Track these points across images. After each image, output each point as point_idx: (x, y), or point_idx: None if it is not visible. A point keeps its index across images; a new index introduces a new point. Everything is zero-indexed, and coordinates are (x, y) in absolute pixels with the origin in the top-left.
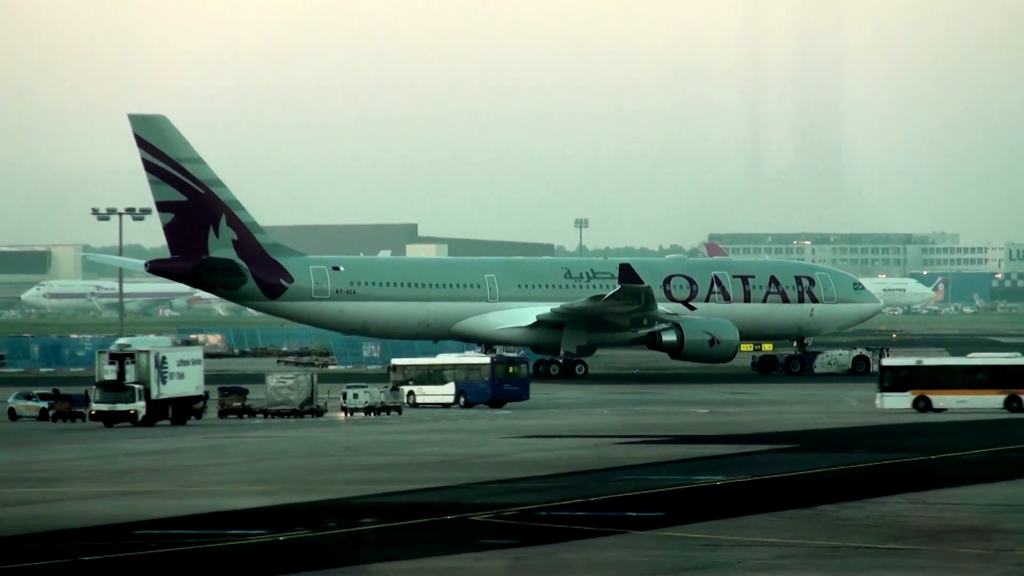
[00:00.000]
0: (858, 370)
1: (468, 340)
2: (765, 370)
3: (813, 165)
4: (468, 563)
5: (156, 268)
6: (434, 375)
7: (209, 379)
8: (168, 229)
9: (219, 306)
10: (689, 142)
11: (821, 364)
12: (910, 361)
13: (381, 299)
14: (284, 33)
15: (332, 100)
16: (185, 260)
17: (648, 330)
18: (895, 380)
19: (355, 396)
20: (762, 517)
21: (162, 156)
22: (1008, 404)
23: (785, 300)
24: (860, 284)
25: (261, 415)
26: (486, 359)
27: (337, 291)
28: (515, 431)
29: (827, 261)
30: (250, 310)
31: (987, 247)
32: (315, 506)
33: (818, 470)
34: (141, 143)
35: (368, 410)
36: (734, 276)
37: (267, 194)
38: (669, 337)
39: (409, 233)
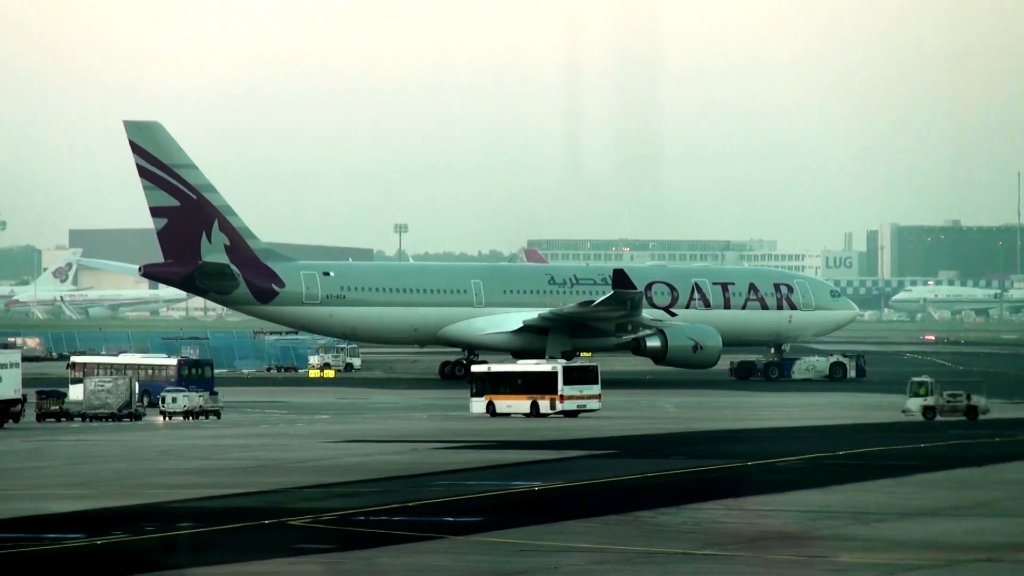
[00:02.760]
0: (835, 376)
1: (455, 345)
2: (743, 375)
3: (632, 173)
4: (285, 568)
5: (150, 272)
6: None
7: (27, 382)
8: (162, 234)
9: (38, 309)
10: (509, 149)
11: (799, 370)
12: (483, 368)
13: (370, 304)
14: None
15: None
16: (179, 265)
17: (632, 336)
18: (477, 386)
19: (173, 400)
20: (579, 523)
21: (156, 162)
22: (532, 409)
23: (764, 307)
24: (837, 291)
25: (79, 418)
26: (172, 361)
27: (327, 296)
28: (334, 436)
29: None
30: (69, 314)
31: (804, 254)
32: (133, 510)
33: (635, 476)
34: (135, 149)
35: (187, 414)
36: (714, 283)
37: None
38: (653, 343)
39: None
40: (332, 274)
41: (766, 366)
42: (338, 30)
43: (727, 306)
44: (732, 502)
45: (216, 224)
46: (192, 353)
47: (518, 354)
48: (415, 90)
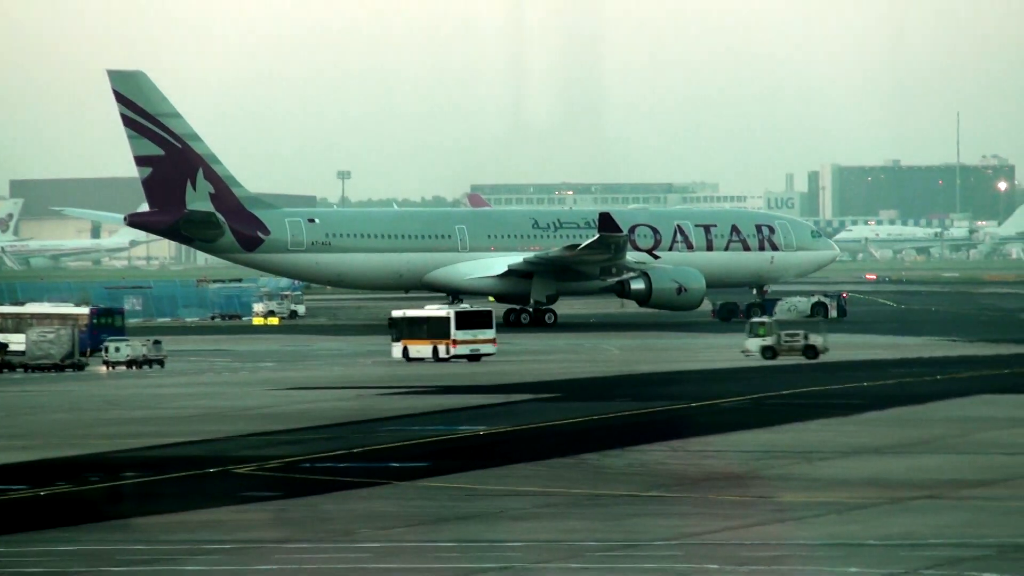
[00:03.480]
0: (816, 316)
1: (440, 290)
2: (726, 317)
3: (575, 118)
4: (231, 515)
5: (135, 221)
6: (22, 325)
7: None
8: (147, 183)
9: None
10: (452, 95)
11: (781, 310)
12: (399, 314)
13: (355, 251)
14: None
15: None
16: (164, 213)
17: (617, 279)
18: (395, 331)
19: (117, 349)
20: (525, 466)
21: (140, 111)
22: (433, 353)
23: (746, 248)
24: (818, 232)
25: (21, 369)
26: (84, 310)
27: (313, 243)
28: (279, 383)
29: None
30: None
31: (746, 196)
32: (76, 460)
33: (580, 419)
34: (120, 98)
35: (130, 363)
36: (696, 225)
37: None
38: (638, 286)
39: None
40: (317, 221)
41: (749, 307)
42: None
43: (710, 248)
44: (676, 443)
45: (201, 172)
46: (136, 303)
47: (502, 298)
48: (357, 38)
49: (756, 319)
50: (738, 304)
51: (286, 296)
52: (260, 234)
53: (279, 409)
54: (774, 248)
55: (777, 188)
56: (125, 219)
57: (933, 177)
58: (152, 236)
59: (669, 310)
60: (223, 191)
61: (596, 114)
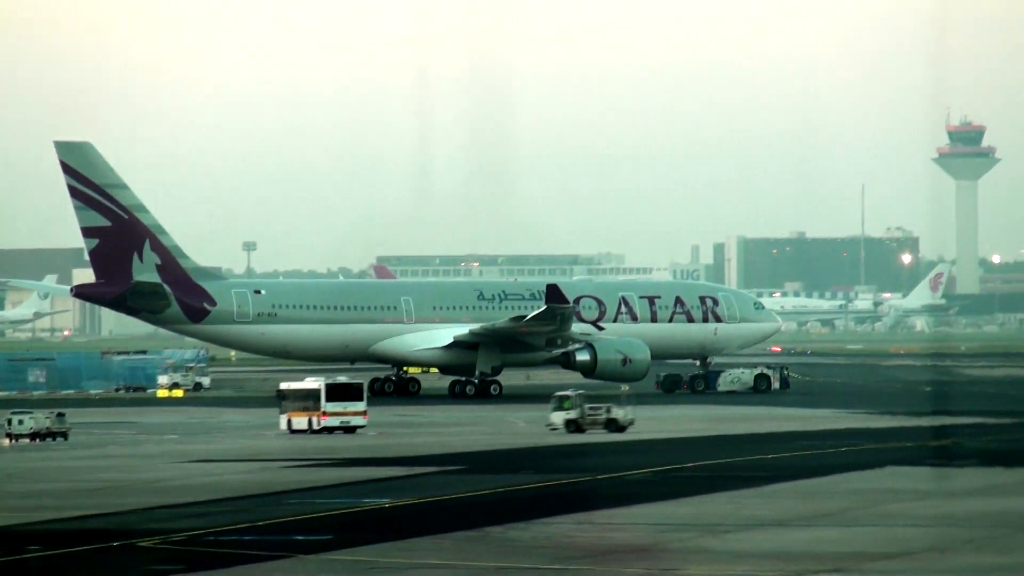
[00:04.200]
0: (760, 388)
1: (386, 361)
2: (670, 388)
3: (480, 189)
4: None
5: (82, 292)
6: None
7: None
8: (94, 254)
9: None
10: (356, 166)
11: (724, 382)
12: (285, 385)
13: (301, 322)
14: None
15: None
16: (110, 284)
17: (562, 350)
18: (281, 403)
19: (20, 422)
20: (429, 539)
21: (87, 182)
22: (308, 425)
23: (690, 320)
24: (760, 304)
25: None
26: None
27: (259, 314)
28: (184, 456)
29: None
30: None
31: (652, 268)
32: None
33: (485, 492)
34: (67, 169)
35: (34, 436)
36: (641, 296)
37: None
38: (583, 357)
39: (76, 257)
40: (264, 292)
41: (692, 379)
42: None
43: (654, 319)
44: (582, 516)
45: (147, 244)
46: (40, 376)
47: (448, 370)
48: (261, 105)
49: (560, 392)
50: (681, 376)
51: (191, 368)
52: (207, 305)
53: (184, 482)
54: (718, 320)
55: (683, 260)
56: (72, 290)
57: (838, 249)
58: (57, 307)
59: (613, 381)
60: (170, 262)
61: (502, 186)
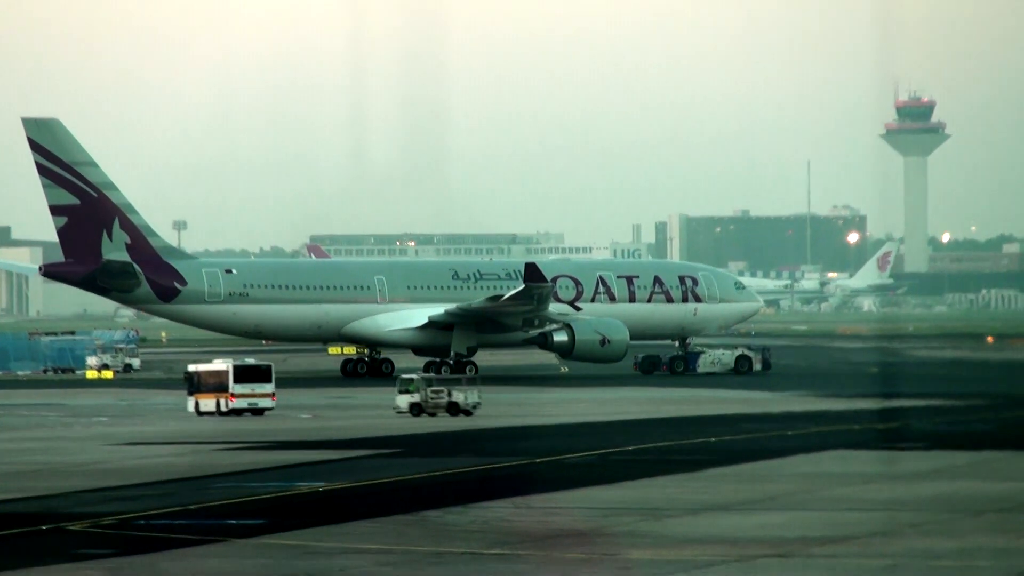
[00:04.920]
0: (741, 370)
1: (359, 342)
2: (648, 370)
3: (416, 166)
4: (63, 574)
5: (51, 272)
6: None
7: None
8: (62, 233)
9: None
10: (289, 143)
11: (704, 364)
12: (192, 367)
13: (273, 302)
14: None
15: None
16: (80, 264)
17: (540, 330)
18: (188, 385)
19: None
20: (365, 523)
21: (55, 160)
22: (216, 407)
23: (669, 300)
24: (741, 283)
25: None
26: None
27: (230, 294)
28: (114, 439)
29: None
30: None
31: (592, 247)
32: None
33: (421, 475)
34: (35, 147)
35: None
36: (619, 276)
37: None
38: (560, 337)
39: (2, 236)
40: (235, 271)
41: (671, 360)
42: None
43: (632, 299)
44: (520, 500)
45: (117, 222)
46: None
47: (422, 351)
48: (195, 83)
49: (405, 375)
50: (660, 357)
51: (120, 349)
52: (177, 285)
53: (113, 465)
54: (697, 300)
55: (624, 239)
56: (40, 269)
57: (783, 228)
58: None
59: (592, 362)
60: (139, 241)
61: (438, 163)
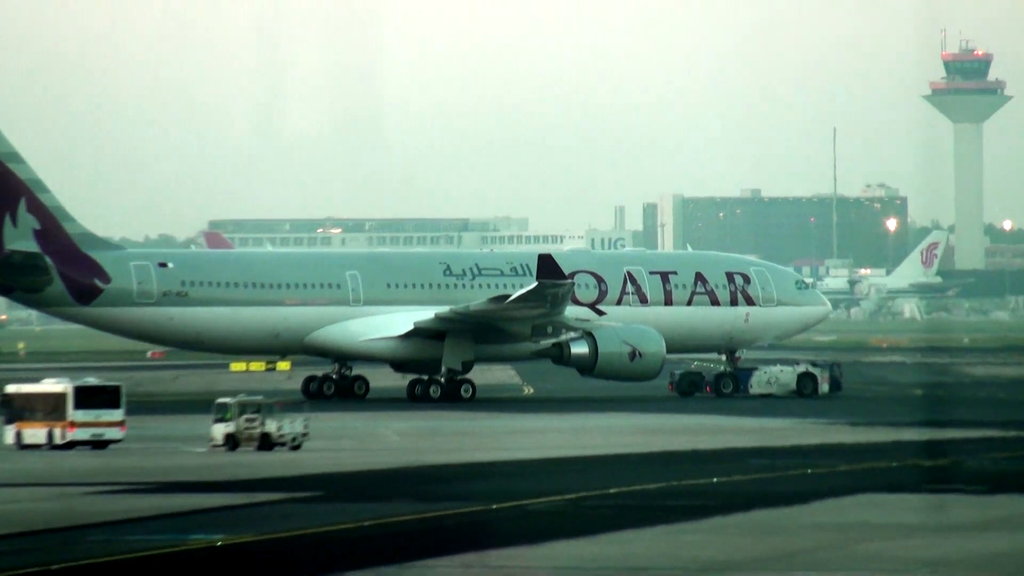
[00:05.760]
0: (804, 391)
1: (326, 354)
2: (688, 391)
3: (341, 138)
4: None
5: None
6: None
7: None
8: None
9: None
10: (184, 112)
11: (758, 383)
12: (14, 389)
13: (219, 303)
14: None
15: None
16: None
17: (554, 340)
18: (7, 411)
19: None
20: None
21: None
22: (48, 438)
23: (715, 302)
24: (803, 282)
25: None
26: None
27: (165, 293)
28: None
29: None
30: None
31: (563, 235)
32: None
33: (346, 525)
34: None
35: None
36: (651, 272)
37: None
38: (580, 349)
39: None
40: (171, 265)
41: (717, 378)
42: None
43: (668, 302)
44: (472, 557)
45: (23, 203)
46: None
47: (405, 366)
48: (81, 58)
49: (221, 399)
50: (703, 375)
51: None
52: (98, 282)
53: None
54: (749, 302)
55: (604, 225)
56: None
57: (803, 212)
58: None
59: (618, 380)
60: (52, 227)
61: (369, 136)
